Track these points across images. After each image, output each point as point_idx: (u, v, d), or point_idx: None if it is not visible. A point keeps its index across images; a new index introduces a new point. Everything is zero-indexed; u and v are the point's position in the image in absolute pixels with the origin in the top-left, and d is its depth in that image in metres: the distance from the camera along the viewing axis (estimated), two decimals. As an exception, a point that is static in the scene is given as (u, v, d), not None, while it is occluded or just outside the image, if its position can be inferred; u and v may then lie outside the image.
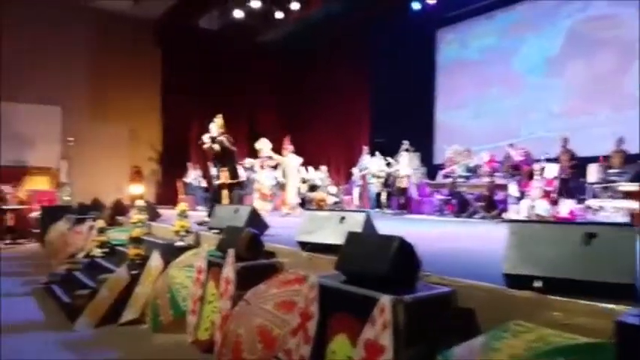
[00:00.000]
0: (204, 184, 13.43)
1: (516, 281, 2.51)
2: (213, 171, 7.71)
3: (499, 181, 8.74)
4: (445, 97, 13.63)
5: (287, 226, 6.46)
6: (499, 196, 8.72)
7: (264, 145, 9.73)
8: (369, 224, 3.80)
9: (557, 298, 2.33)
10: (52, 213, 11.40)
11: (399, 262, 2.67)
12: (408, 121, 12.82)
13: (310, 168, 12.98)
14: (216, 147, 7.38)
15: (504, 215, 8.33)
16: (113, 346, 4.48)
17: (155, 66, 16.14)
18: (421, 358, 2.48)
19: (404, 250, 2.72)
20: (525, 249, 2.51)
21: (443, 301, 2.68)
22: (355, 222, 3.79)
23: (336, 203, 11.22)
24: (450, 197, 9.56)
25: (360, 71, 14.35)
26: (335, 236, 3.88)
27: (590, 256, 2.32)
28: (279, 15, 13.34)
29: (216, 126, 7.55)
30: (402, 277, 2.71)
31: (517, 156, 9.05)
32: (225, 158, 7.42)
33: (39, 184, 14.13)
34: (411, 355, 2.46)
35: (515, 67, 12.13)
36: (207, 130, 14.96)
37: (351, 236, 3.06)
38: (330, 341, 2.79)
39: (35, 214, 12.72)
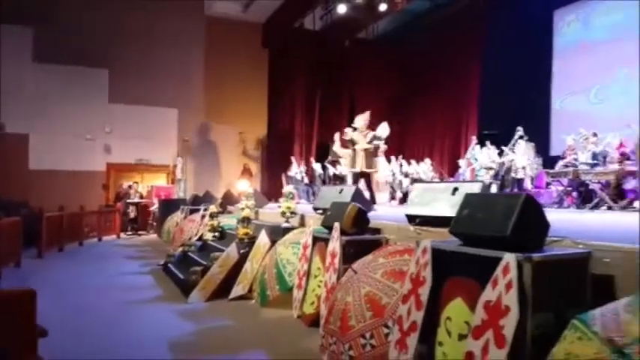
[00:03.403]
0: (306, 178, 13.66)
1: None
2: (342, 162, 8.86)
3: (630, 167, 7.83)
4: (563, 83, 12.59)
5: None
6: (630, 184, 7.82)
7: (384, 130, 9.55)
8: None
9: None
10: (169, 206, 12.30)
11: (525, 222, 2.42)
12: (521, 110, 12.01)
13: (412, 161, 12.67)
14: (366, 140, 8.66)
15: (636, 204, 7.44)
16: (223, 317, 4.64)
17: (262, 69, 16.82)
18: (549, 325, 2.23)
19: (530, 209, 2.46)
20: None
21: (577, 264, 2.38)
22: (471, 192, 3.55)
23: (441, 196, 10.76)
24: (570, 188, 8.76)
25: (468, 60, 13.73)
26: (448, 208, 3.68)
27: None
28: (382, 7, 13.20)
29: (363, 119, 8.78)
30: (528, 238, 2.45)
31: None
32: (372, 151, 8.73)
33: (157, 180, 15.31)
34: (537, 321, 2.21)
35: (647, 46, 10.86)
36: (311, 128, 15.73)
37: (469, 198, 2.85)
38: (444, 307, 2.61)
39: (153, 208, 13.81)
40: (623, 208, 7.62)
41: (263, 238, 5.49)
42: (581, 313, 2.06)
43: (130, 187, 14.29)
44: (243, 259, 5.51)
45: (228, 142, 16.32)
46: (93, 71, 14.37)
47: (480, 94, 13.44)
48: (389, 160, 12.14)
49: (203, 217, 8.77)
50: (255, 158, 17.05)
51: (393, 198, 11.69)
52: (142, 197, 14.23)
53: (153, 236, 12.93)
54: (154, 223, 13.53)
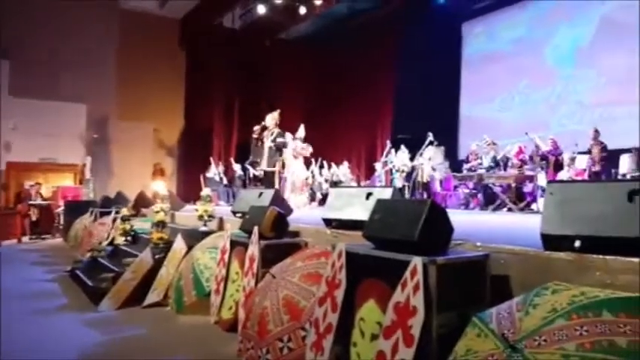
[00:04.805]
0: (225, 179, 13.52)
1: (555, 242, 2.42)
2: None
3: (528, 172, 8.59)
4: (471, 91, 13.48)
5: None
6: (528, 187, 8.56)
7: (303, 132, 9.58)
8: (396, 198, 3.74)
9: (600, 257, 2.23)
10: (76, 208, 11.58)
11: (431, 226, 2.59)
12: (432, 116, 12.67)
13: (332, 164, 12.96)
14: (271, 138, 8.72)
15: (533, 206, 8.15)
16: (136, 325, 4.50)
17: (179, 66, 16.39)
18: (452, 323, 2.41)
19: (436, 214, 2.64)
20: (565, 208, 2.42)
21: (477, 266, 2.59)
22: (383, 197, 3.72)
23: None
24: (475, 190, 9.42)
25: (384, 66, 14.27)
26: (362, 212, 3.82)
27: (634, 213, 2.21)
28: (302, 10, 13.37)
29: (272, 119, 8.84)
30: (434, 242, 2.63)
31: (545, 146, 8.91)
32: (279, 150, 8.76)
33: (64, 180, 14.41)
34: (441, 320, 2.39)
35: (546, 59, 11.93)
36: (230, 128, 15.56)
37: (380, 203, 3.00)
38: (358, 308, 2.73)
39: (60, 210, 12.97)
40: (522, 209, 8.31)
41: (179, 243, 5.38)
42: (480, 311, 2.25)
43: (31, 186, 13.33)
44: (158, 264, 5.36)
45: (143, 140, 15.71)
46: (-10, 62, 13.28)
47: (395, 99, 14.01)
48: (309, 163, 12.29)
49: (114, 220, 8.42)
50: (171, 157, 16.57)
51: (312, 200, 11.86)
52: (43, 199, 13.31)
53: (58, 240, 12.14)
54: (60, 226, 12.72)
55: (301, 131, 9.33)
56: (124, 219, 7.33)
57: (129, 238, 7.12)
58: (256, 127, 9.02)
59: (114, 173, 14.97)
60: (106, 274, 5.55)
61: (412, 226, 2.59)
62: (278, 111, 9.14)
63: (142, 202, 9.32)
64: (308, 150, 9.39)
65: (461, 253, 2.67)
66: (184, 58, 16.50)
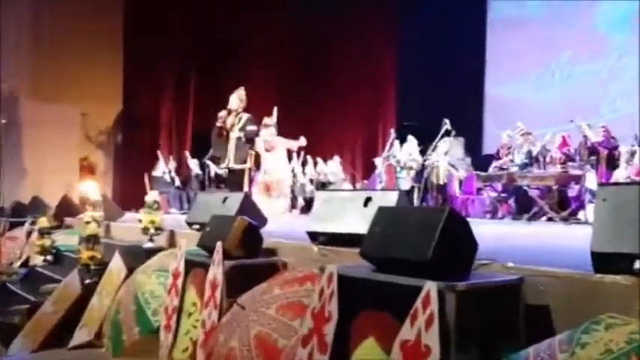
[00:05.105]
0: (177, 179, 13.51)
1: (608, 262, 2.47)
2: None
3: (573, 171, 8.67)
4: (498, 66, 13.61)
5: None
6: (573, 190, 8.66)
7: (275, 118, 9.47)
8: (403, 205, 3.78)
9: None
10: (-24, 218, 11.51)
11: (448, 242, 2.63)
12: (448, 98, 12.77)
13: (319, 160, 13.00)
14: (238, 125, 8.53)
15: (580, 216, 8.26)
16: (60, 374, 4.49)
17: (116, 29, 16.26)
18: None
19: (455, 226, 2.68)
20: (621, 218, 2.46)
21: (507, 293, 2.64)
22: (385, 203, 3.76)
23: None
24: (505, 194, 9.52)
25: (385, 33, 14.36)
26: (358, 223, 3.86)
27: None
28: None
29: (237, 98, 8.62)
30: (453, 263, 2.67)
31: (595, 136, 9.03)
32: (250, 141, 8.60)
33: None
34: (461, 361, 2.43)
35: (594, 25, 12.10)
36: (184, 113, 15.48)
37: (382, 212, 3.03)
38: (354, 349, 2.76)
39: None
40: (565, 219, 8.41)
41: (117, 264, 5.38)
42: (512, 350, 2.29)
43: None
44: (88, 292, 5.36)
45: (66, 127, 15.58)
46: None
47: (399, 76, 14.09)
48: (289, 158, 12.29)
49: (29, 233, 8.41)
50: (103, 150, 16.48)
51: (293, 207, 11.89)
52: None
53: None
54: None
55: (273, 117, 9.25)
56: (43, 232, 7.32)
57: (49, 257, 7.11)
58: (222, 113, 8.70)
59: (28, 171, 14.84)
60: (18, 305, 5.53)
61: (424, 242, 2.63)
62: (242, 88, 8.89)
63: (67, 210, 9.31)
64: (298, 142, 9.33)
65: (487, 277, 2.71)
66: (122, 20, 16.39)
